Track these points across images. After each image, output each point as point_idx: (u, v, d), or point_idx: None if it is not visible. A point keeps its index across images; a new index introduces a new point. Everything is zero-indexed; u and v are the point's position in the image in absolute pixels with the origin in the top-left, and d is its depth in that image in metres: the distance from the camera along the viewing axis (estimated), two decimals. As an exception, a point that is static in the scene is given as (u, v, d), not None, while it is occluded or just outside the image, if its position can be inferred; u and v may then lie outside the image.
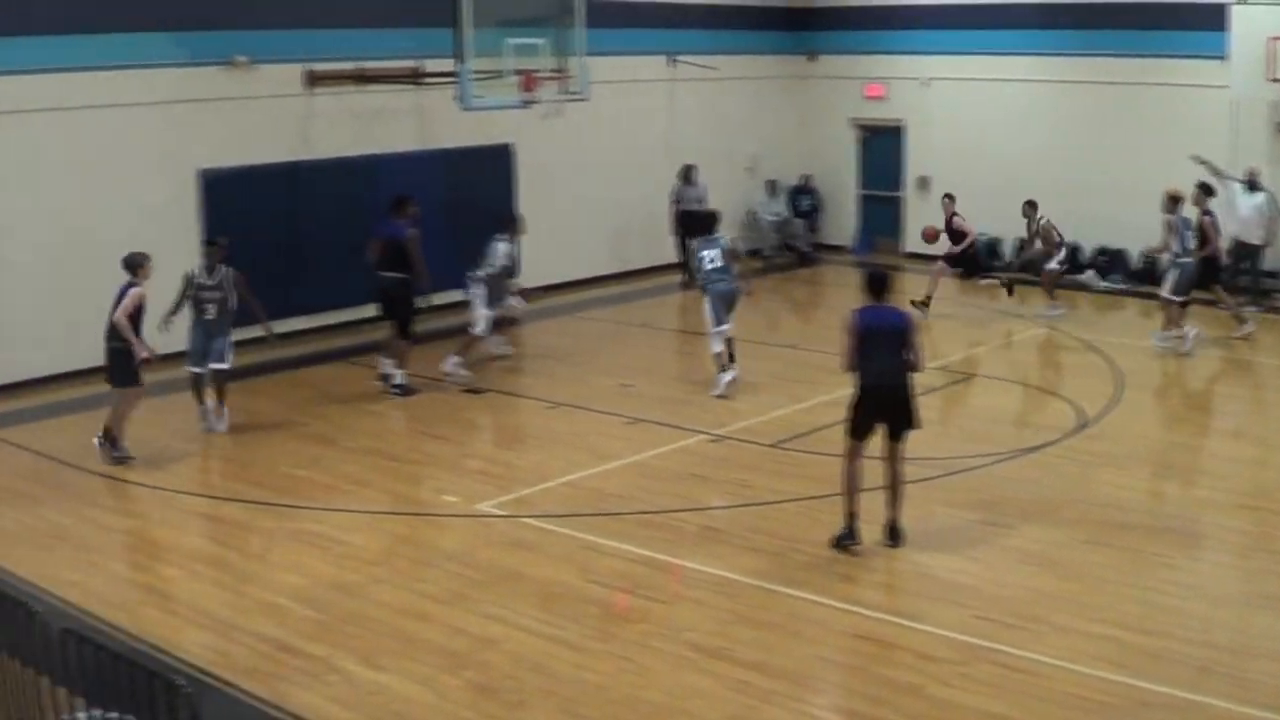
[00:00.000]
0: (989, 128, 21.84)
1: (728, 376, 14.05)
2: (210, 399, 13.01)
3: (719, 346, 14.15)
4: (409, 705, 7.32)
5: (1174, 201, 15.60)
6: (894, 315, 9.66)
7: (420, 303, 14.68)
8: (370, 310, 16.01)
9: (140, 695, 5.42)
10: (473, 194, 18.39)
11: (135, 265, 11.90)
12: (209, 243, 13.33)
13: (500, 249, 15.13)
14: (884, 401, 9.47)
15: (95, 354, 13.83)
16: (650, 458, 12.17)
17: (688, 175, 20.75)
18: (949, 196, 18.91)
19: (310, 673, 7.69)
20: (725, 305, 14.17)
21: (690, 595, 8.94)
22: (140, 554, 10.03)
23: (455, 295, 16.27)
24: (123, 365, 11.84)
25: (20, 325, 14.28)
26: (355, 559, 9.60)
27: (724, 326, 14.09)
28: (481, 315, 14.96)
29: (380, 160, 17.44)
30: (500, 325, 15.71)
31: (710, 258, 14.24)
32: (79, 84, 14.50)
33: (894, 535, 9.57)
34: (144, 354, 11.76)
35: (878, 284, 9.64)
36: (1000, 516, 10.29)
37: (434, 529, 10.31)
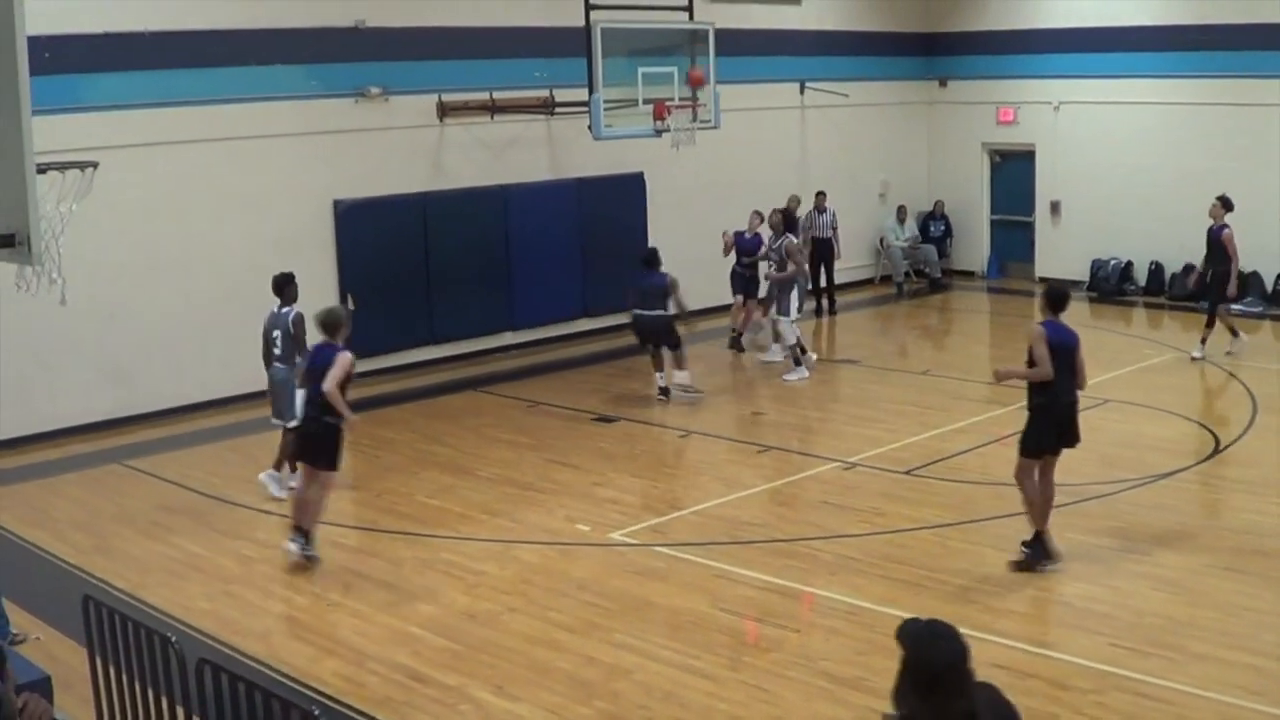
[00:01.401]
0: (1120, 151, 21.39)
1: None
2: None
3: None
4: (541, 734, 7.33)
5: None
6: (1070, 333, 9.51)
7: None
8: (501, 339, 16.15)
9: (276, 723, 5.49)
10: (605, 223, 18.53)
11: (335, 325, 10.11)
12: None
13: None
14: (1062, 418, 9.37)
15: (230, 383, 14.21)
16: (782, 485, 12.08)
17: (819, 203, 20.63)
18: None
19: (443, 702, 7.73)
20: (646, 335, 15.19)
21: (823, 624, 8.82)
22: (275, 583, 10.10)
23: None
24: (328, 443, 10.05)
25: (158, 354, 14.69)
26: (488, 588, 9.64)
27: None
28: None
29: (512, 190, 17.65)
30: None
31: (643, 290, 15.01)
32: (221, 116, 14.93)
33: (1047, 553, 9.39)
34: (352, 424, 10.18)
35: (1059, 299, 9.55)
36: (1135, 543, 10.00)
37: (566, 558, 10.32)
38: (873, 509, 11.16)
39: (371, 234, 15.95)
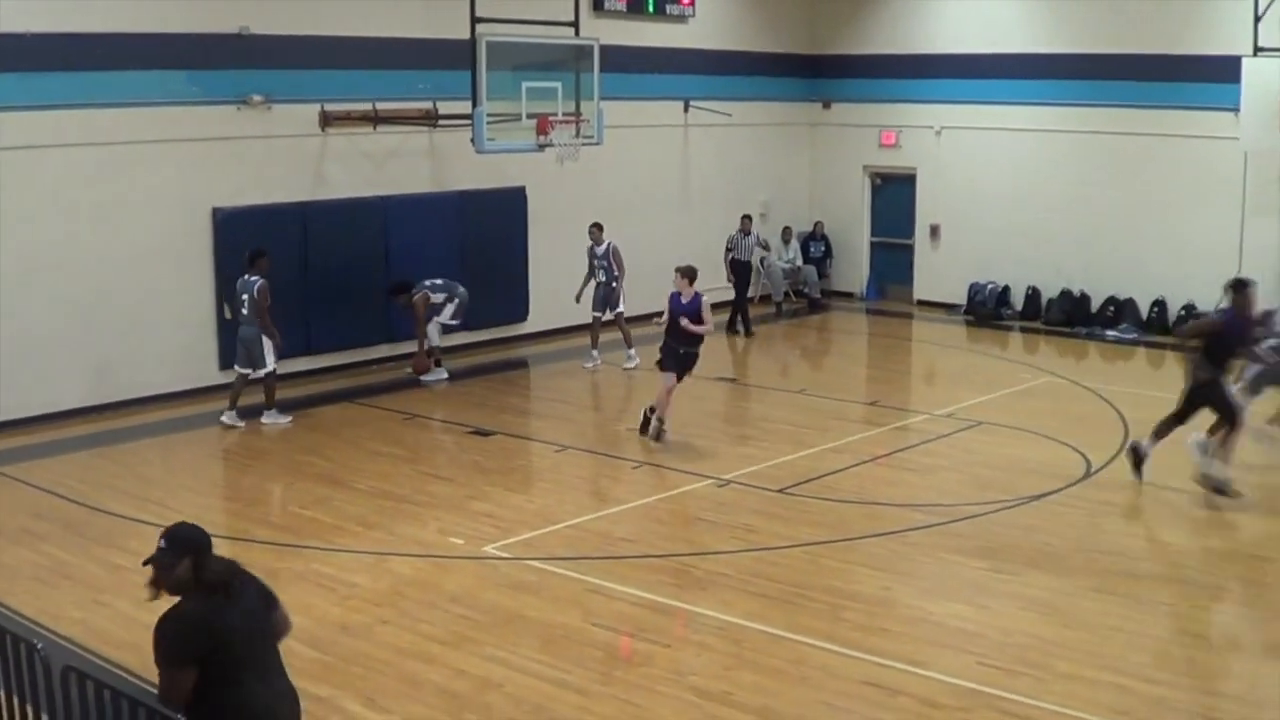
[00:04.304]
0: (1000, 176, 21.95)
1: None
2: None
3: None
4: (410, 747, 7.29)
5: None
6: None
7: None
8: (378, 352, 15.99)
9: (140, 733, 5.40)
10: (485, 237, 18.50)
11: None
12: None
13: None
14: None
15: (104, 391, 13.90)
16: (656, 502, 12.17)
17: (744, 226, 20.97)
18: None
19: (314, 714, 7.61)
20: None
21: (694, 639, 8.91)
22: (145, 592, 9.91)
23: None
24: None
25: (29, 361, 14.31)
26: (360, 599, 9.58)
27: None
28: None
29: (392, 201, 17.55)
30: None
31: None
32: (96, 121, 14.63)
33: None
34: None
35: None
36: (1005, 563, 10.24)
37: (439, 570, 10.28)
38: (745, 526, 11.28)
39: (251, 243, 15.73)
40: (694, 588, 9.81)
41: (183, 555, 5.08)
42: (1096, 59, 20.66)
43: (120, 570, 10.14)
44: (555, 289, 17.60)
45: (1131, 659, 8.38)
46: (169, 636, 4.98)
